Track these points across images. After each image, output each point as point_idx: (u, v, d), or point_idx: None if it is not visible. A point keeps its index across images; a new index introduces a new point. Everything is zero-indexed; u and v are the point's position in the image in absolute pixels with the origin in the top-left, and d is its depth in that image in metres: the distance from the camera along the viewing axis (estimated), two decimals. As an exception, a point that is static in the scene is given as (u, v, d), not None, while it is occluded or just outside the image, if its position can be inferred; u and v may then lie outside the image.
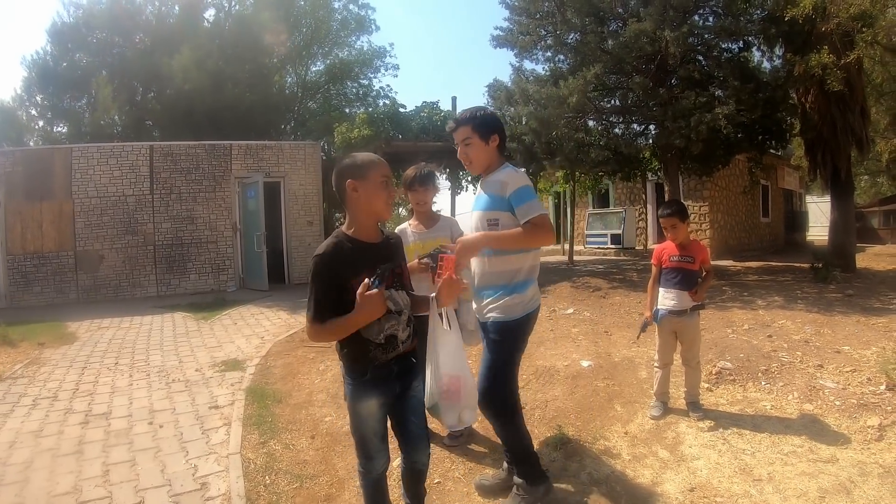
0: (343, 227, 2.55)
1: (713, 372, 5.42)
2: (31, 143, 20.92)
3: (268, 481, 3.87)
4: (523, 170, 3.19)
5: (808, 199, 28.44)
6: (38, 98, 22.50)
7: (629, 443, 4.16)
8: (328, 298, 2.38)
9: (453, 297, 2.57)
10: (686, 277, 4.47)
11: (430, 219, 4.21)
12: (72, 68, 21.70)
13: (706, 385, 5.18)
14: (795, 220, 25.14)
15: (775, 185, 22.18)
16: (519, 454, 3.29)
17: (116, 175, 13.09)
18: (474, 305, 3.34)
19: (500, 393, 3.19)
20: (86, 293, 12.92)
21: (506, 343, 3.20)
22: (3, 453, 4.48)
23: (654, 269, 4.69)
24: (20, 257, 12.74)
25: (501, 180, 3.06)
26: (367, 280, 2.35)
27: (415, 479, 2.86)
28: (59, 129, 22.35)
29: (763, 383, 5.11)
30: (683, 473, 3.64)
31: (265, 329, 8.52)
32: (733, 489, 3.40)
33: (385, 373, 2.55)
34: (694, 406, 4.58)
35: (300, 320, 7.36)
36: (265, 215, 13.42)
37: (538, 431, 4.44)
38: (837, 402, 4.57)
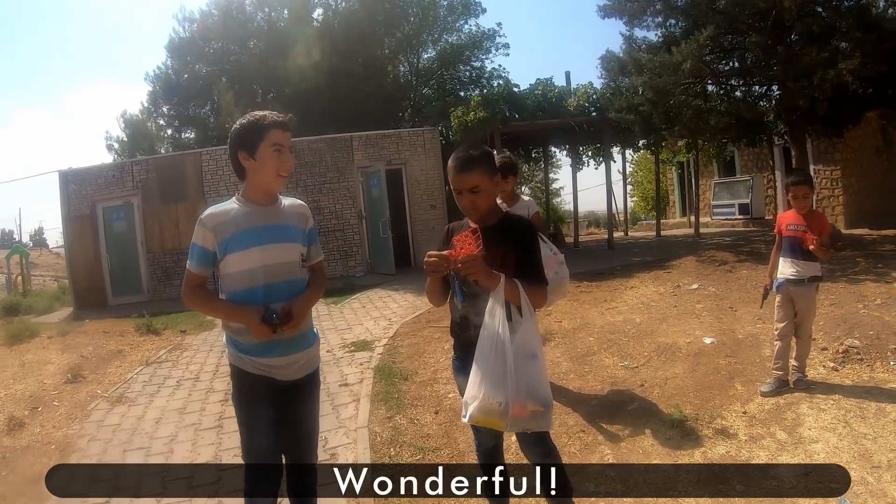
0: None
1: (840, 350, 5.26)
2: (163, 151, 22.76)
3: (392, 453, 4.18)
4: None
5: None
6: (165, 109, 24.53)
7: (747, 423, 4.18)
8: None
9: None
10: (804, 247, 4.47)
11: (511, 199, 4.96)
12: (193, 79, 23.49)
13: (832, 364, 5.06)
14: (939, 181, 22.71)
15: (914, 142, 20.11)
16: None
17: (245, 174, 13.98)
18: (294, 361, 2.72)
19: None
20: (222, 284, 14.05)
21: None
22: (150, 428, 5.10)
23: (777, 237, 4.76)
24: (159, 255, 14.19)
25: (304, 213, 2.80)
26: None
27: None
28: (187, 135, 24.38)
29: (892, 363, 4.90)
30: (800, 457, 3.62)
31: (392, 311, 8.97)
32: (850, 475, 3.30)
33: (469, 356, 2.51)
34: (799, 381, 4.62)
35: (426, 302, 7.89)
36: (389, 202, 13.94)
37: (656, 409, 4.55)
38: (970, 385, 4.35)
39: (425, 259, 2.46)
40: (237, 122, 2.60)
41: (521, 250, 2.57)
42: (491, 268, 2.42)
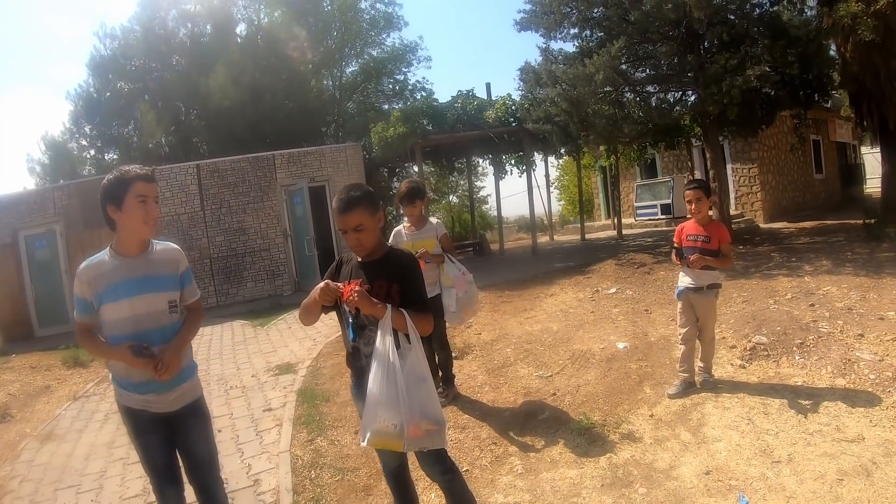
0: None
1: (748, 347, 5.36)
2: (85, 173, 22.03)
3: (313, 475, 4.17)
4: None
5: (864, 150, 26.83)
6: (87, 129, 23.84)
7: (653, 426, 4.21)
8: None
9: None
10: (686, 263, 4.57)
11: (419, 221, 5.11)
12: (115, 97, 22.88)
13: (739, 362, 5.15)
14: (851, 173, 23.89)
15: (827, 138, 21.09)
16: None
17: (167, 196, 13.57)
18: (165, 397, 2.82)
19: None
20: (150, 310, 13.56)
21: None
22: (79, 464, 4.94)
23: (675, 244, 4.80)
24: (85, 283, 13.41)
25: (175, 258, 2.95)
26: None
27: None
28: (111, 156, 23.60)
29: (797, 358, 5.01)
30: (702, 456, 3.66)
31: (317, 331, 8.73)
32: (750, 472, 3.40)
33: (363, 383, 2.63)
34: (705, 381, 4.72)
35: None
36: (313, 219, 13.78)
37: (566, 417, 4.56)
38: (872, 376, 4.45)
39: (321, 287, 2.62)
40: (105, 178, 2.78)
41: (405, 282, 2.73)
42: (377, 299, 2.60)
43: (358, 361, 2.77)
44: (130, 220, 2.74)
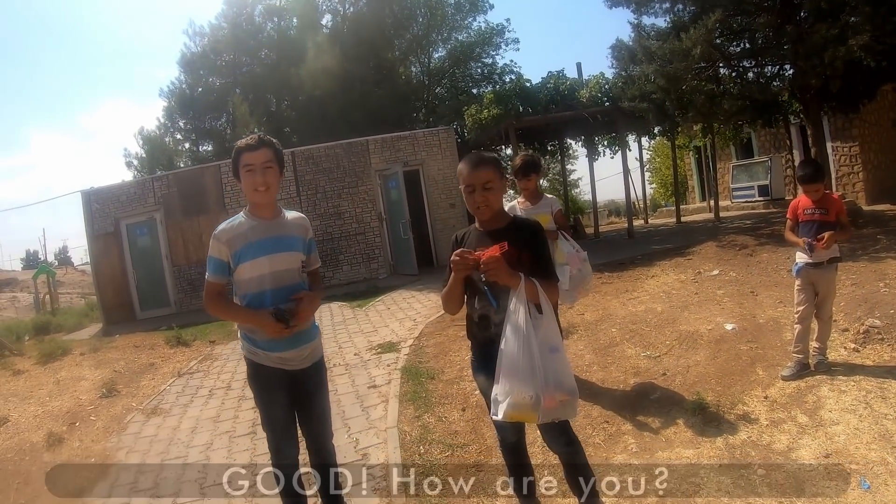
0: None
1: (861, 330, 5.25)
2: (181, 165, 23.08)
3: (422, 451, 4.27)
4: None
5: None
6: (181, 123, 25.12)
7: (768, 408, 4.22)
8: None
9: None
10: (822, 230, 4.46)
11: (534, 196, 5.07)
12: (207, 92, 23.98)
13: (852, 345, 5.08)
14: (960, 150, 22.21)
15: (932, 113, 19.69)
16: None
17: (264, 182, 14.11)
18: (301, 352, 3.02)
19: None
20: (248, 293, 14.34)
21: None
22: (185, 437, 5.26)
23: (788, 221, 4.77)
24: (185, 267, 14.40)
25: (304, 225, 3.13)
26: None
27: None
28: (205, 148, 24.73)
29: (913, 341, 4.89)
30: (820, 439, 3.67)
31: (417, 311, 9.03)
32: (870, 456, 3.39)
33: (489, 354, 2.66)
34: (820, 363, 4.66)
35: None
36: (408, 203, 14.01)
37: (678, 397, 4.60)
38: None
39: (453, 257, 2.61)
40: None
41: (534, 250, 2.69)
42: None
43: (486, 331, 2.74)
44: (244, 188, 2.95)
